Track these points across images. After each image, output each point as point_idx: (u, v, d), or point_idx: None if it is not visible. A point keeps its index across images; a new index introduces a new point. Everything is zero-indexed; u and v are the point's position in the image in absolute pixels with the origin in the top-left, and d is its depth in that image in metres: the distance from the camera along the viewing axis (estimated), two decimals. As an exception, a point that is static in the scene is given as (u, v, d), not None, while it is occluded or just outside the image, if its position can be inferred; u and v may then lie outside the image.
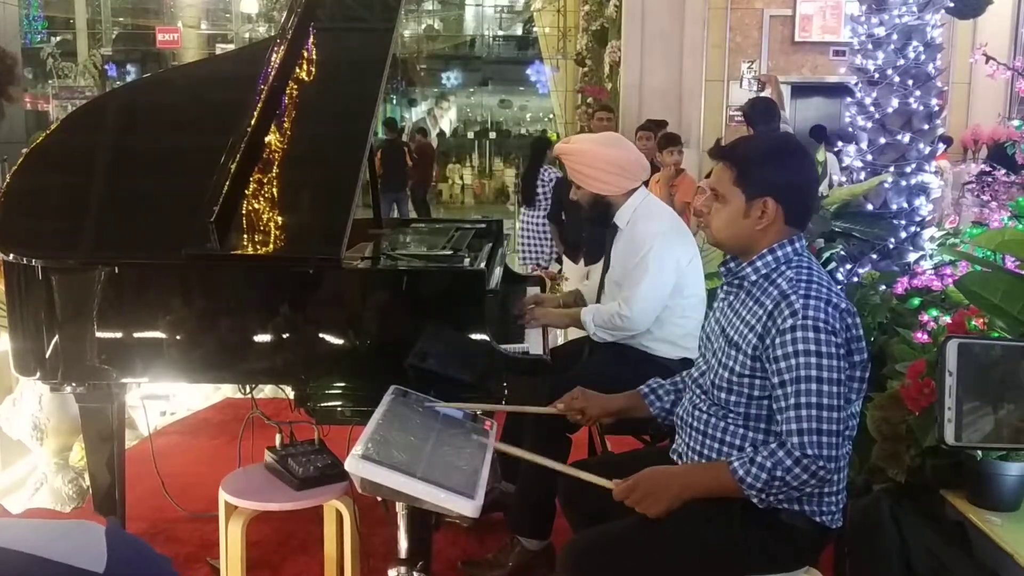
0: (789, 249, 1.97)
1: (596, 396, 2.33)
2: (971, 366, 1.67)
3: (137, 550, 0.55)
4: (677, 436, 2.17)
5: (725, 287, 2.10)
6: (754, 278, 1.98)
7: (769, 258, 1.96)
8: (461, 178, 20.40)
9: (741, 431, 1.97)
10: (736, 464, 1.86)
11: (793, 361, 1.83)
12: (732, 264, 2.05)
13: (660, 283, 2.89)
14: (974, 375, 1.67)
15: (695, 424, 2.06)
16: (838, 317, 1.86)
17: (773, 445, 1.85)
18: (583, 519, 2.21)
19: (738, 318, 1.99)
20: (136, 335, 2.51)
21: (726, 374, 1.97)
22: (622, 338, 2.94)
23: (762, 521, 1.91)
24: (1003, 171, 3.52)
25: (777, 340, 1.86)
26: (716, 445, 2.00)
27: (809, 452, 1.79)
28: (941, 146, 3.97)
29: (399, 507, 2.27)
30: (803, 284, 1.89)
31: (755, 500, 1.87)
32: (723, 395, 1.98)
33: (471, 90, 23.45)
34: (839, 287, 2.17)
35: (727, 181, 1.98)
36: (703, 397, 2.06)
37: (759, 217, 1.95)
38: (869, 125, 3.88)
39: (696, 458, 2.04)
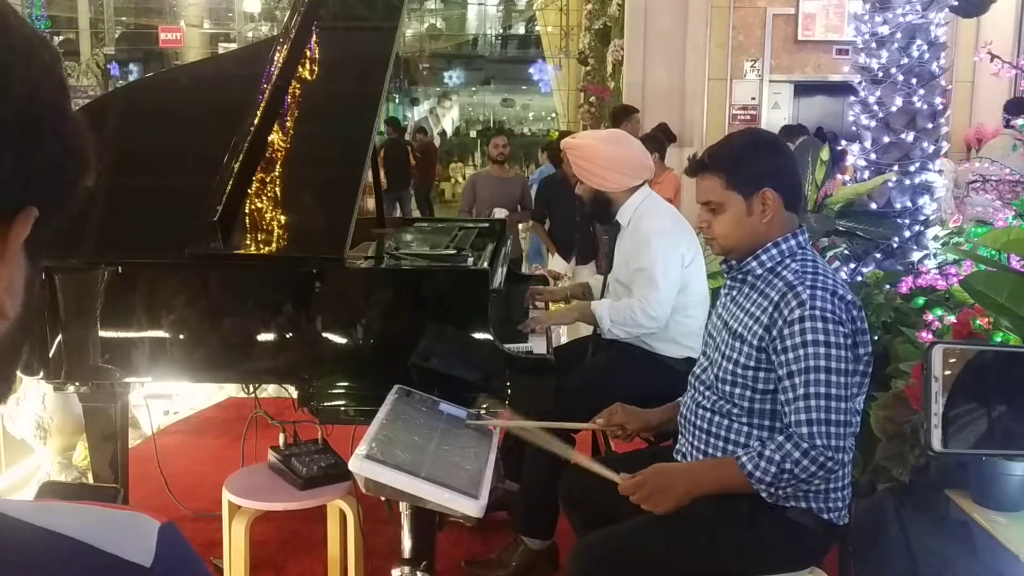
0: (793, 243, 1.97)
1: (635, 411, 2.33)
2: (957, 372, 1.66)
3: (187, 554, 0.54)
4: (680, 436, 2.16)
5: (728, 283, 2.10)
6: (759, 271, 1.98)
7: (774, 251, 1.97)
8: (464, 177, 20.40)
9: (746, 428, 1.96)
10: (744, 459, 1.86)
11: (801, 352, 1.83)
12: (733, 261, 2.04)
13: (672, 281, 2.90)
14: (960, 381, 1.65)
15: (698, 423, 2.05)
16: (844, 308, 1.86)
17: (780, 438, 1.85)
18: (585, 520, 2.21)
19: (742, 311, 1.99)
20: (139, 335, 2.51)
21: (730, 366, 1.97)
22: (637, 335, 2.94)
23: (769, 521, 1.91)
24: (1008, 170, 3.51)
25: (785, 331, 1.86)
26: (720, 443, 2.00)
27: (818, 443, 1.79)
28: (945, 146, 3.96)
29: (403, 507, 2.27)
30: (809, 276, 1.90)
31: (764, 494, 1.87)
32: (727, 387, 1.98)
33: (474, 89, 23.45)
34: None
35: (719, 189, 1.98)
36: (706, 394, 2.05)
37: (762, 211, 1.95)
38: (873, 124, 3.87)
39: (701, 457, 2.04)
